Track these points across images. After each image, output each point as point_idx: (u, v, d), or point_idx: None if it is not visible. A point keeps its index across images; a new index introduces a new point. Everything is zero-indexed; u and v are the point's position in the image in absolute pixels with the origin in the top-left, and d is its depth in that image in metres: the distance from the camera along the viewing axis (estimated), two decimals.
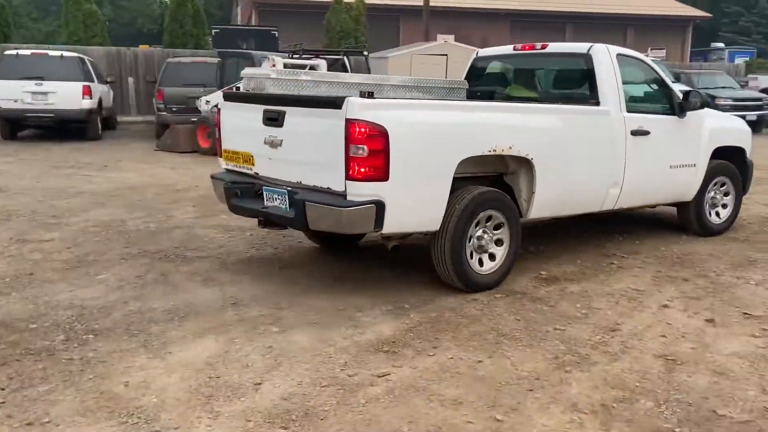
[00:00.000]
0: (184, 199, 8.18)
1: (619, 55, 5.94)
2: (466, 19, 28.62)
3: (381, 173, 4.39)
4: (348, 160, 4.36)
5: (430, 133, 4.63)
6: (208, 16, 21.76)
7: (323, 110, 4.54)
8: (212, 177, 5.61)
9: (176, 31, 19.74)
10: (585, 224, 7.01)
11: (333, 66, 14.29)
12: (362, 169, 4.36)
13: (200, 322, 4.26)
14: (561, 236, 6.67)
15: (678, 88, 6.52)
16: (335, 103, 4.45)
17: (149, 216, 7.20)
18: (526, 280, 5.22)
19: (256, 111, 5.08)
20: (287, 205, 4.86)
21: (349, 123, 4.33)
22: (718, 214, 6.92)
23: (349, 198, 4.43)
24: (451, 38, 21.54)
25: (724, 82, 18.60)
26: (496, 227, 5.15)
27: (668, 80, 6.43)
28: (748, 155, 7.05)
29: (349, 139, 4.34)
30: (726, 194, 6.94)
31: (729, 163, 6.88)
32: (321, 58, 14.03)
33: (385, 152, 4.37)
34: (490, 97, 6.31)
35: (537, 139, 5.18)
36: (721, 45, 37.09)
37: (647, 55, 21.10)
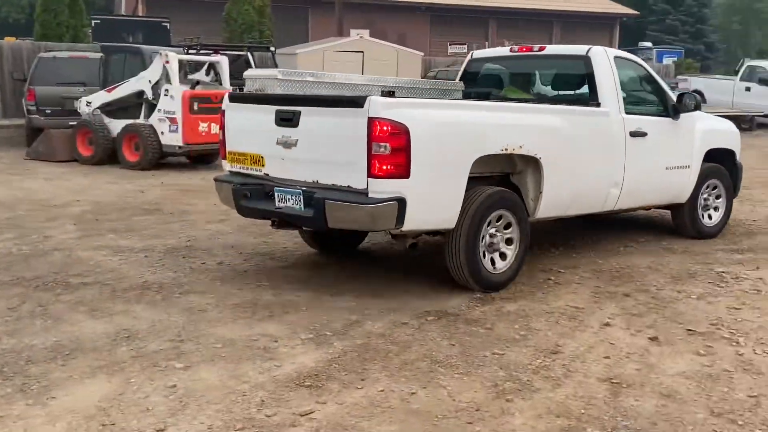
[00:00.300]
0: (63, 216, 7.95)
1: (616, 57, 6.64)
2: (382, 12, 28.87)
3: (402, 171, 4.90)
4: (370, 157, 4.88)
5: (449, 132, 5.20)
6: (88, 4, 21.15)
7: (343, 109, 5.08)
8: (216, 180, 6.08)
9: (49, 22, 18.97)
10: None
11: (235, 63, 13.91)
12: (384, 167, 4.87)
13: (89, 360, 4.14)
14: None
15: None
16: (357, 102, 4.99)
17: (21, 237, 6.96)
18: (459, 300, 5.28)
19: (268, 112, 5.56)
20: (302, 205, 5.37)
21: (372, 121, 4.86)
22: (710, 216, 7.55)
23: (370, 195, 4.95)
24: (366, 33, 21.65)
25: None
26: (507, 227, 5.70)
27: (662, 82, 7.09)
28: (737, 158, 7.77)
29: (371, 137, 4.87)
30: (717, 197, 7.57)
31: (720, 166, 7.53)
32: (222, 54, 13.84)
33: (407, 150, 4.90)
34: (485, 99, 6.73)
35: (545, 138, 5.78)
36: (648, 44, 39.12)
37: None
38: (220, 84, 12.26)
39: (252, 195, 5.74)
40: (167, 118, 11.51)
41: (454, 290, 5.51)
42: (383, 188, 4.94)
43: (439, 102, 5.68)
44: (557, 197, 5.98)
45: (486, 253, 5.59)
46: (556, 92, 7.02)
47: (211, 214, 8.15)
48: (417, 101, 5.52)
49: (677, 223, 7.53)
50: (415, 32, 28.33)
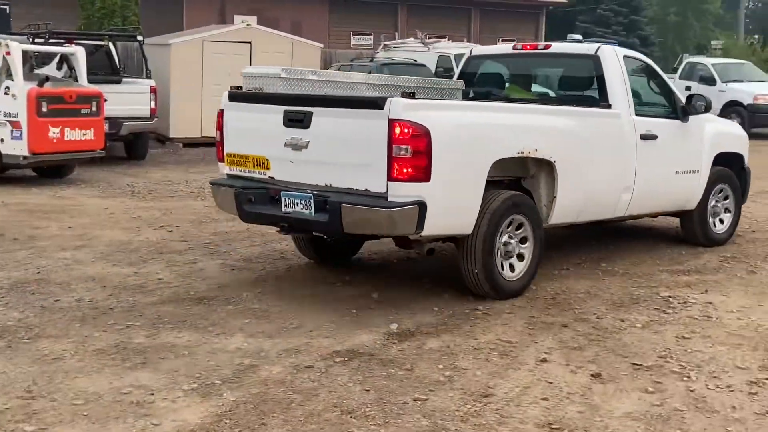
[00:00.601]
0: None
1: (625, 56, 7.24)
2: None
3: (423, 174, 5.36)
4: (391, 160, 5.32)
5: (469, 134, 5.73)
6: None
7: (362, 111, 5.53)
8: (212, 183, 6.46)
9: None
10: (435, 264, 7.14)
11: (94, 55, 13.54)
12: (405, 170, 5.34)
13: None
14: (411, 277, 6.79)
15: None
16: (377, 103, 5.43)
17: None
18: (373, 336, 5.22)
19: (275, 112, 5.97)
20: (312, 210, 5.78)
21: (393, 123, 5.31)
22: (721, 221, 8.24)
23: (390, 199, 5.39)
24: (253, 20, 21.51)
25: None
26: (521, 232, 6.24)
27: (671, 82, 7.77)
28: (746, 162, 8.48)
29: (392, 140, 5.31)
30: (725, 203, 8.26)
31: (729, 170, 8.23)
32: (77, 43, 13.34)
33: (428, 153, 5.35)
34: (486, 99, 7.33)
35: (559, 141, 6.35)
36: (578, 37, 40.61)
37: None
38: (75, 80, 11.91)
39: (256, 199, 6.13)
40: (8, 121, 11.16)
41: (366, 324, 5.43)
42: (403, 192, 5.39)
43: (459, 103, 6.44)
44: (570, 202, 6.56)
45: (501, 259, 6.09)
46: (563, 92, 7.57)
47: (66, 239, 7.93)
48: (437, 103, 6.26)
49: (686, 231, 8.19)
50: (312, 20, 28.25)
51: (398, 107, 5.41)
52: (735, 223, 8.42)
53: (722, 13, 64.08)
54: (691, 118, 7.66)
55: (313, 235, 6.79)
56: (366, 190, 5.56)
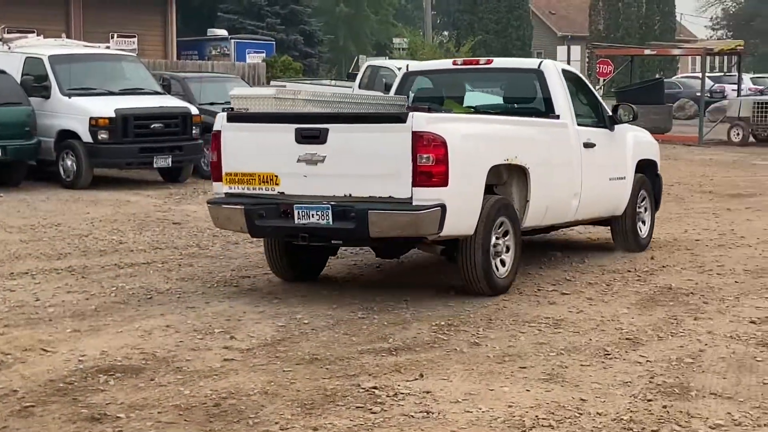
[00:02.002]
0: None
1: (563, 69, 9.76)
2: None
3: (443, 180, 7.69)
4: (415, 168, 7.62)
5: (474, 143, 8.13)
6: None
7: (383, 125, 7.95)
8: (211, 203, 8.58)
9: None
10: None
11: None
12: (428, 177, 7.64)
13: None
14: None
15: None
16: (399, 118, 7.86)
17: None
18: None
19: (285, 130, 8.06)
20: (330, 219, 7.92)
21: (416, 135, 7.63)
22: (641, 229, 10.81)
23: (415, 203, 7.69)
24: None
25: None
26: (505, 234, 8.52)
27: (597, 93, 10.21)
28: (658, 169, 11.21)
29: (416, 150, 7.62)
30: (645, 209, 10.89)
31: (646, 177, 10.82)
32: None
33: (446, 160, 7.66)
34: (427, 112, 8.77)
35: (531, 149, 8.77)
36: (223, 33, 40.37)
37: (108, 47, 22.02)
38: None
39: (267, 214, 8.19)
40: None
41: None
42: (427, 196, 7.71)
43: (465, 116, 9.15)
44: (540, 206, 9.01)
45: (493, 259, 8.37)
46: (511, 105, 10.15)
47: None
48: (449, 116, 8.72)
49: (618, 238, 10.72)
50: None
51: (421, 120, 7.75)
52: (652, 229, 11.05)
53: (404, 4, 68.75)
54: (616, 127, 10.28)
55: (288, 254, 8.99)
56: (390, 197, 7.82)
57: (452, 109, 9.84)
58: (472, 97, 10.60)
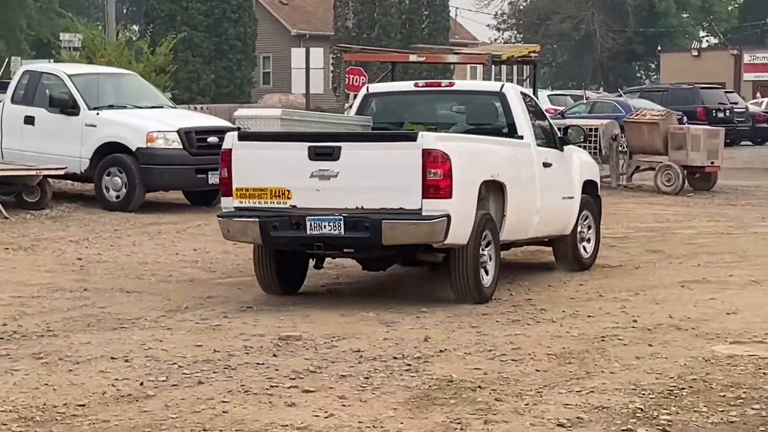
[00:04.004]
0: None
1: (521, 92, 13.80)
2: None
3: (448, 192, 11.61)
4: (425, 182, 11.54)
5: (470, 160, 12.18)
6: None
7: (395, 143, 12.16)
8: (222, 216, 12.32)
9: None
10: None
11: None
12: (436, 190, 11.58)
13: None
14: None
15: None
16: (410, 137, 11.88)
17: None
18: None
19: (298, 148, 11.84)
20: (341, 230, 11.75)
21: (426, 152, 11.56)
22: (585, 248, 14.79)
23: (425, 213, 11.56)
24: None
25: None
26: (488, 245, 12.31)
27: (548, 116, 14.48)
28: (598, 189, 15.16)
29: (426, 165, 11.52)
30: (589, 228, 14.86)
31: (590, 197, 14.60)
32: None
33: (450, 175, 11.53)
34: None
35: (507, 167, 12.84)
36: None
37: None
38: None
39: (279, 226, 11.78)
40: None
41: None
42: (435, 207, 11.48)
43: (464, 136, 13.25)
44: (514, 221, 12.81)
45: (480, 269, 11.80)
46: (471, 125, 14.21)
47: None
48: (452, 135, 12.79)
49: (560, 257, 14.88)
50: None
51: (430, 139, 11.58)
52: (597, 247, 15.24)
53: None
54: (565, 147, 14.41)
55: (279, 269, 13.27)
56: (401, 208, 11.55)
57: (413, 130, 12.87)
58: (436, 118, 14.69)
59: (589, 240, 15.16)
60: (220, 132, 19.90)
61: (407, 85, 15.91)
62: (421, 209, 11.74)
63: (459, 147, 12.16)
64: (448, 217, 11.66)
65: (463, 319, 11.70)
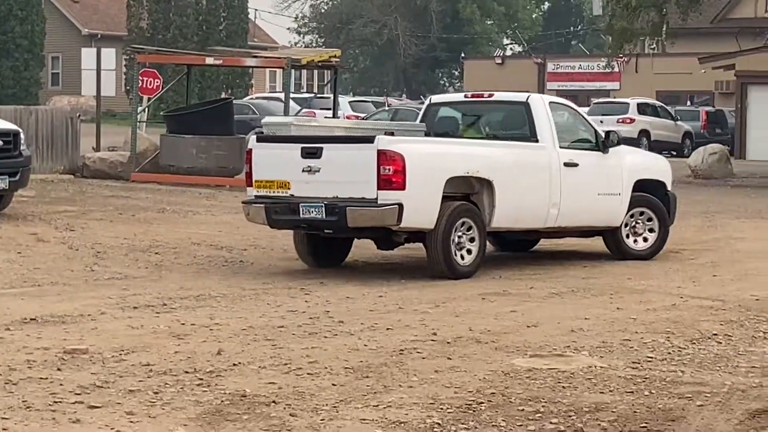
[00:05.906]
0: None
1: (551, 102, 18.08)
2: None
3: (400, 185, 15.26)
4: (379, 176, 15.25)
5: (429, 158, 15.83)
6: None
7: (359, 144, 16.19)
8: (245, 202, 16.91)
9: None
10: None
11: None
12: (389, 183, 15.24)
13: None
14: None
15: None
16: (369, 139, 15.69)
17: None
18: None
19: (294, 148, 16.13)
20: (323, 214, 15.61)
21: (380, 152, 15.30)
22: (645, 239, 18.48)
23: (379, 202, 15.18)
24: None
25: None
26: (469, 229, 15.96)
27: (592, 122, 18.31)
28: (669, 188, 18.72)
29: (379, 163, 15.17)
30: (642, 223, 18.46)
31: (649, 195, 18.27)
32: None
33: (403, 171, 15.23)
34: (445, 136, 17.70)
35: (496, 166, 16.31)
36: None
37: None
38: None
39: (281, 211, 16.03)
40: None
41: None
42: (388, 197, 15.16)
43: (421, 138, 17.68)
44: (506, 211, 16.30)
45: (456, 250, 15.86)
46: (503, 131, 18.21)
47: None
48: (408, 138, 16.81)
49: (608, 247, 18.48)
50: None
51: (384, 141, 15.12)
52: (662, 240, 18.43)
53: None
54: (612, 150, 17.87)
55: (310, 245, 17.37)
56: (363, 197, 15.19)
57: (464, 134, 18.27)
58: (479, 124, 18.81)
59: (641, 234, 18.61)
60: (4, 135, 20.47)
61: (459, 96, 22.51)
62: (377, 198, 15.14)
63: (413, 148, 15.76)
64: (401, 205, 15.10)
65: (258, 332, 11.44)
